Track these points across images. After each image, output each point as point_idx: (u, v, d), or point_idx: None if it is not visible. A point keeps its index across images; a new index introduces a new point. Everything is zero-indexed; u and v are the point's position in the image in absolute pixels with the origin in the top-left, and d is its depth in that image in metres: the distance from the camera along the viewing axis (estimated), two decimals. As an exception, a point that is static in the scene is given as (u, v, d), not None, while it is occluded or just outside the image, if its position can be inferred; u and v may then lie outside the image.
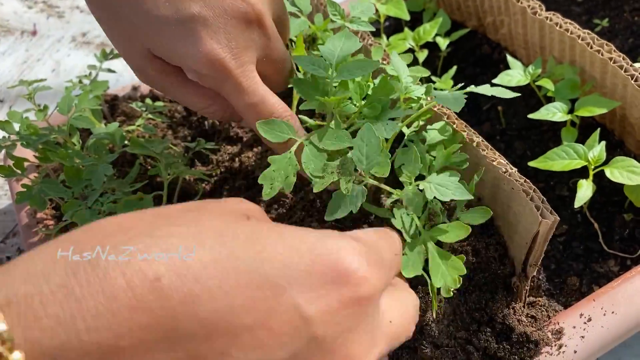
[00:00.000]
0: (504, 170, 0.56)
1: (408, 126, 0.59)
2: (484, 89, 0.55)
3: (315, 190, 0.49)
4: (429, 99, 0.56)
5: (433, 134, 0.57)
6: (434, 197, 0.50)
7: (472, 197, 0.49)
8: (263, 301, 0.29)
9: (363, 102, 0.55)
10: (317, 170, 0.50)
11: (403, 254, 0.47)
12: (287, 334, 0.30)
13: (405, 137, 0.59)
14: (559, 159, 0.64)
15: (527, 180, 0.54)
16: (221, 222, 0.32)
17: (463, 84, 0.58)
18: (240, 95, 0.53)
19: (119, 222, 0.31)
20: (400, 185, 0.53)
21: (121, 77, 1.14)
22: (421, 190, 0.51)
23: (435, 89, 0.61)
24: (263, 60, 0.55)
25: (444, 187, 0.50)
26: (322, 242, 0.32)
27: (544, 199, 0.53)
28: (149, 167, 0.74)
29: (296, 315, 0.30)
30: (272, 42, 0.56)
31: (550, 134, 0.78)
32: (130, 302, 0.26)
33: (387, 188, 0.51)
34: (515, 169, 0.56)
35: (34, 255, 0.28)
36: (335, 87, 0.55)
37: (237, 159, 0.75)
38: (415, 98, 0.55)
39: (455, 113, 0.61)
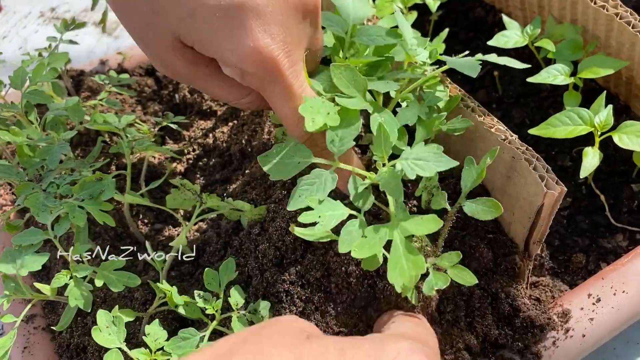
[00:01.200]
0: (503, 137, 0.50)
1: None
2: (493, 58, 0.49)
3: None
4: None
5: (430, 97, 0.51)
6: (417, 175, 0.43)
7: (457, 164, 0.42)
8: None
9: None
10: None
11: (364, 236, 0.41)
12: None
13: (401, 98, 0.52)
14: (562, 125, 0.58)
15: (530, 148, 0.49)
16: (285, 349, 0.35)
17: (467, 52, 0.53)
18: (290, 100, 0.46)
19: None
20: None
21: (92, 53, 1.07)
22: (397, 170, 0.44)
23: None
24: (306, 52, 0.48)
25: (424, 160, 0.42)
26: (384, 348, 0.37)
27: (549, 167, 0.47)
28: (114, 145, 0.68)
29: None
30: (318, 32, 0.49)
31: (550, 101, 0.72)
32: None
33: (361, 172, 0.45)
34: (515, 136, 0.50)
35: None
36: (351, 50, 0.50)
37: (211, 135, 0.69)
38: (420, 62, 0.49)
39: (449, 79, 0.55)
